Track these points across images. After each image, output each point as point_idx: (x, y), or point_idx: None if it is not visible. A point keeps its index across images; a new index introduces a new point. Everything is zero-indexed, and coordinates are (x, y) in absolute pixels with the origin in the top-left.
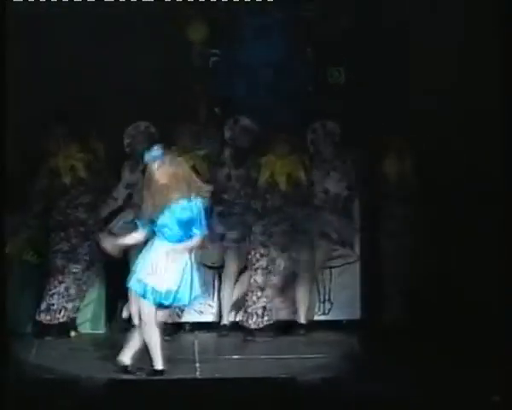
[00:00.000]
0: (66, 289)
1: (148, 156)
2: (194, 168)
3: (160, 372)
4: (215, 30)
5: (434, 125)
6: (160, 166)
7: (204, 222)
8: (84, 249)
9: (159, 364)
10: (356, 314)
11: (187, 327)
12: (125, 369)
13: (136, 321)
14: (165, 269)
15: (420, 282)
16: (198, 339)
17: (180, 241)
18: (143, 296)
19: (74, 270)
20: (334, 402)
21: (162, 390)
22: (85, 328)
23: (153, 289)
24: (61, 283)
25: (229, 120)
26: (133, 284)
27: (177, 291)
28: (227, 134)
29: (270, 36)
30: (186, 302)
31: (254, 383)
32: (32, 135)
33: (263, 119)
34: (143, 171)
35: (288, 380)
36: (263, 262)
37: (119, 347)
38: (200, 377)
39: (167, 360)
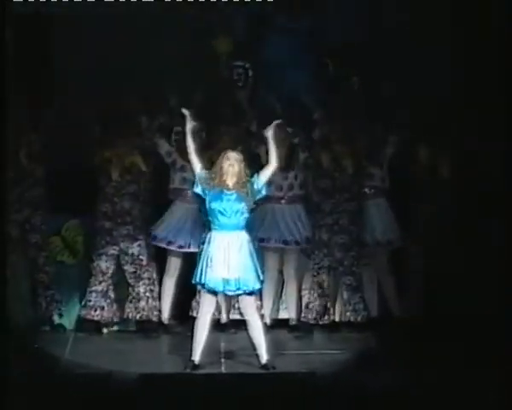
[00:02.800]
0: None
1: None
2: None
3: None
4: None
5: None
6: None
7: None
8: (131, 250)
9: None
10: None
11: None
12: (265, 366)
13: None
14: (230, 258)
15: (420, 282)
16: (223, 336)
17: (235, 230)
18: (222, 290)
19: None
20: (351, 396)
21: (190, 385)
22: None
23: (223, 279)
24: (100, 282)
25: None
26: (209, 282)
27: (245, 277)
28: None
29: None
30: (258, 286)
31: (276, 378)
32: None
33: None
34: None
35: (308, 375)
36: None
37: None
38: (225, 371)
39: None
